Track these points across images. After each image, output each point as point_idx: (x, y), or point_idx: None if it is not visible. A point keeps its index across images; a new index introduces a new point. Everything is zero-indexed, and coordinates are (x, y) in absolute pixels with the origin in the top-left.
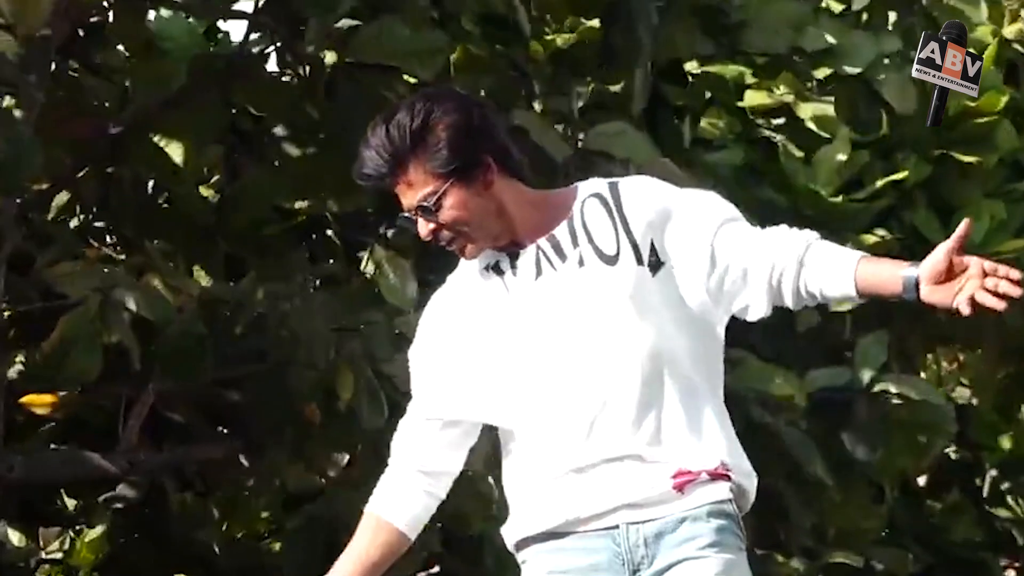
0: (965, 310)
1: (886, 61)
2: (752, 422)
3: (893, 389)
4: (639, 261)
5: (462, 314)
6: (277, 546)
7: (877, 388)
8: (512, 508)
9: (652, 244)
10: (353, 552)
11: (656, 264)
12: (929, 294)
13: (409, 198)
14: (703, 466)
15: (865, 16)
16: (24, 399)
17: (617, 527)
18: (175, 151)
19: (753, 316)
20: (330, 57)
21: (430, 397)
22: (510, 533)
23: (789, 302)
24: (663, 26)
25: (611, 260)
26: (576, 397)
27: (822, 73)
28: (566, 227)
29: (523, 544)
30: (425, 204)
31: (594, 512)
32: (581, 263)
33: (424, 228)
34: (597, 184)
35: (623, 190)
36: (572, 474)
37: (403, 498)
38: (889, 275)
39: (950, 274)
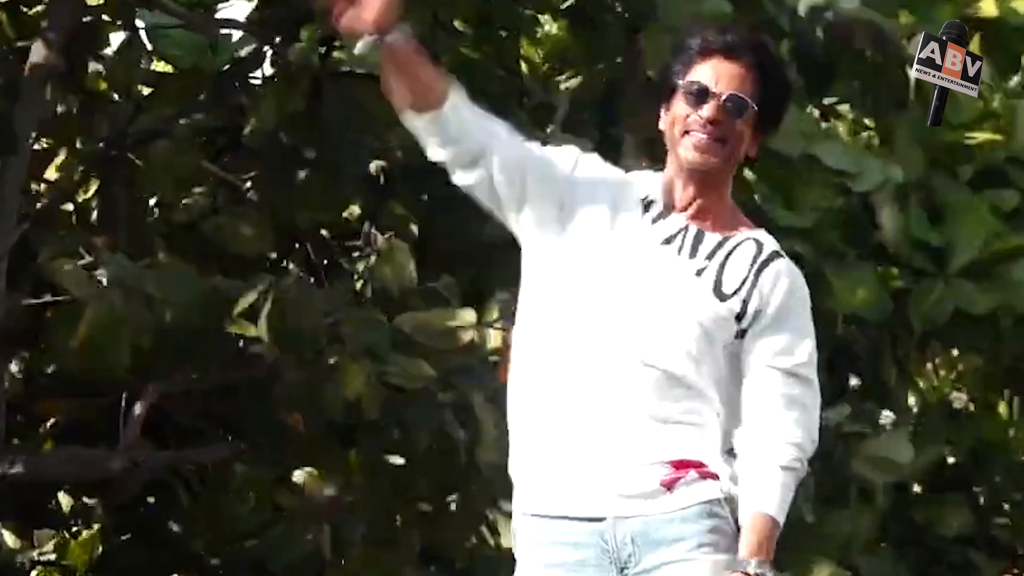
0: None
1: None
2: None
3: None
4: (739, 319)
5: (607, 197)
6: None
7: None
8: (511, 447)
9: (755, 313)
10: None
11: (740, 319)
12: None
13: (732, 81)
14: (689, 454)
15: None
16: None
17: (604, 519)
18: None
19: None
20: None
21: (533, 159)
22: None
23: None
24: None
25: (723, 297)
26: (600, 351)
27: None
28: (718, 238)
29: (517, 517)
30: (747, 104)
31: (581, 498)
32: (698, 274)
33: (714, 108)
34: (767, 239)
35: (774, 263)
36: (566, 439)
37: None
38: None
39: None
